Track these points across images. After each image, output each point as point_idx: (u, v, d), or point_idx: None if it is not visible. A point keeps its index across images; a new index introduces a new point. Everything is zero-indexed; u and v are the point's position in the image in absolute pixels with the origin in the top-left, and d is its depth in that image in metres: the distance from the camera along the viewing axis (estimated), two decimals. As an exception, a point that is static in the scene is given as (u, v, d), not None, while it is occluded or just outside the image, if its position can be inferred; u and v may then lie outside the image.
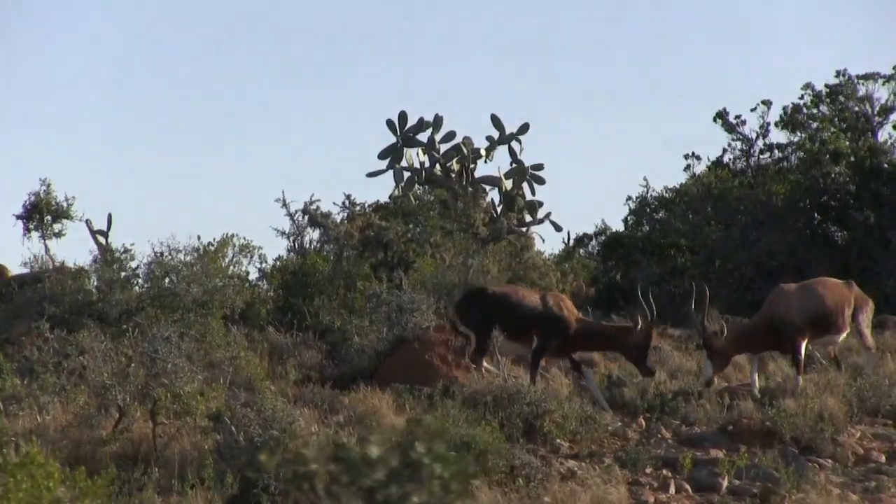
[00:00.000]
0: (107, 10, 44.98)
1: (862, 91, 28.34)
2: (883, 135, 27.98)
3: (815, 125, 27.69)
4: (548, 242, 43.48)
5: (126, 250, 18.80)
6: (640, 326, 15.49)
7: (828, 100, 28.24)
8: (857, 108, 28.13)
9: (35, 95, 44.00)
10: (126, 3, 45.29)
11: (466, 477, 5.67)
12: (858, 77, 28.40)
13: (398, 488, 5.59)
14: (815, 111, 28.14)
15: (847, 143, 25.86)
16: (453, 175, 27.32)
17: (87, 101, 44.79)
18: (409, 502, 5.61)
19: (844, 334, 15.68)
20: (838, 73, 28.51)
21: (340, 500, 5.59)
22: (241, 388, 14.61)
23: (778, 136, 28.94)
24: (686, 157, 29.15)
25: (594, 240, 28.27)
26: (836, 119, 27.88)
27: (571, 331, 15.70)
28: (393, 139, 27.83)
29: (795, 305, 15.40)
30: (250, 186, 42.27)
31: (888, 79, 28.31)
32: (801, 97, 28.52)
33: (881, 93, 28.31)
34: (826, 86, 28.49)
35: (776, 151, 28.30)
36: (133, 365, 13.04)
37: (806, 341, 15.25)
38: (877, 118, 28.10)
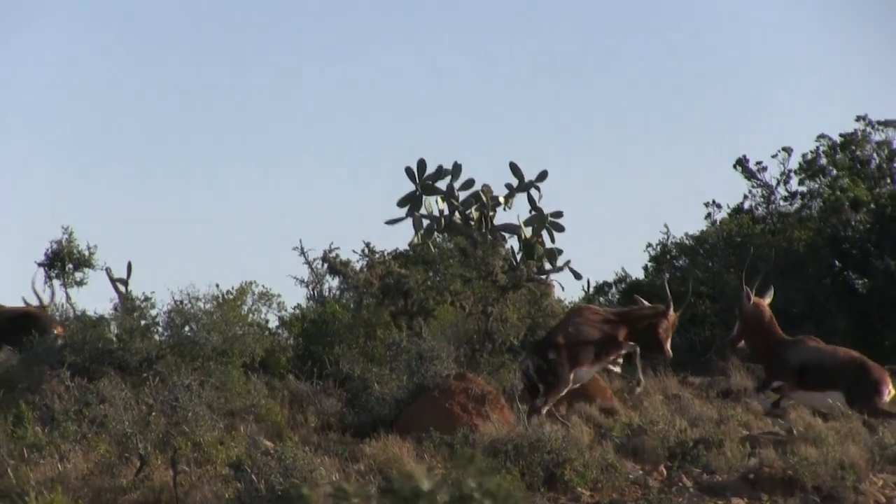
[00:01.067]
0: (121, 55, 45.31)
1: (879, 137, 28.28)
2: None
3: (834, 172, 27.66)
4: (567, 290, 43.36)
5: (146, 298, 18.84)
6: (669, 305, 17.11)
7: (842, 149, 28.20)
8: (875, 156, 28.06)
9: (56, 143, 44.26)
10: (142, 46, 45.59)
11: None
12: (878, 123, 28.37)
13: None
14: (832, 159, 28.10)
15: (866, 190, 25.79)
16: (472, 223, 27.38)
17: (106, 150, 45.03)
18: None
19: (831, 394, 15.34)
20: (858, 118, 28.50)
21: None
22: (262, 435, 14.62)
23: (797, 183, 28.87)
24: (706, 204, 29.12)
25: (614, 287, 28.20)
26: (853, 168, 27.82)
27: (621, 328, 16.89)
28: (412, 187, 27.91)
29: (797, 350, 15.43)
30: (269, 234, 42.30)
31: (911, 125, 28.23)
32: (817, 148, 28.49)
33: (902, 138, 28.23)
34: (840, 135, 28.44)
35: (798, 199, 28.25)
36: (153, 413, 13.08)
37: (782, 384, 15.22)
38: (895, 165, 28.03)
